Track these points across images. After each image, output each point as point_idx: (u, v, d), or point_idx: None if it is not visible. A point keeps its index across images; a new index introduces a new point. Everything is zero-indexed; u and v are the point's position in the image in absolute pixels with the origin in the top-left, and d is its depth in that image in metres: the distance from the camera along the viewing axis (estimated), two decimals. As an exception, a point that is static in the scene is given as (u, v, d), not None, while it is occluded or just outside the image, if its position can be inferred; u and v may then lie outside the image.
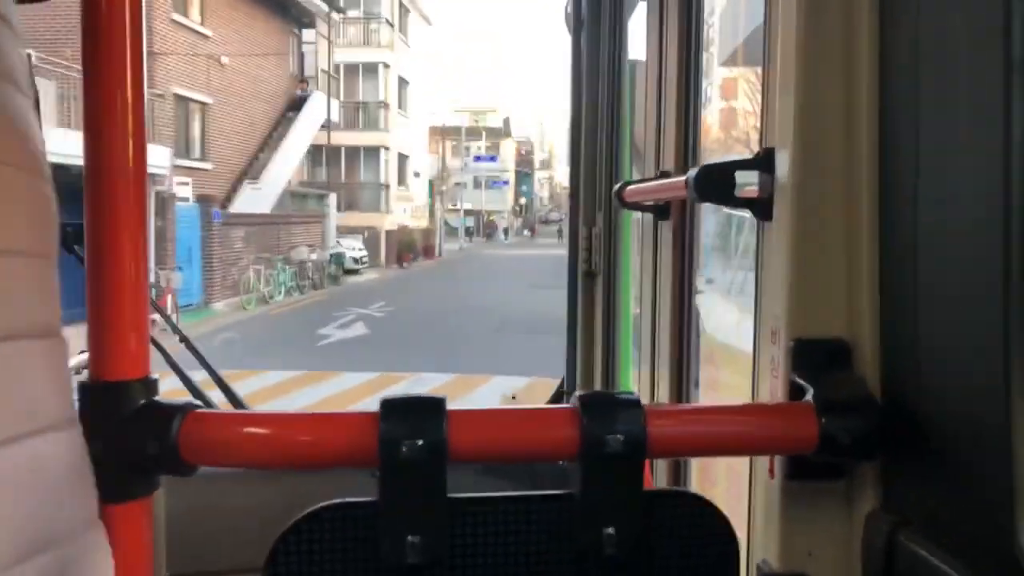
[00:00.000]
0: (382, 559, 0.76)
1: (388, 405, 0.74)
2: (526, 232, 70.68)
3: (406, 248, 32.32)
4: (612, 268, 2.26)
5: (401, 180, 34.71)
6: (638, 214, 1.86)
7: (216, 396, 1.87)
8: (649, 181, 1.65)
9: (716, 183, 0.97)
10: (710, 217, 2.04)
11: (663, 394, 1.67)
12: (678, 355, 1.62)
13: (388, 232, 31.50)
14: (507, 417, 0.78)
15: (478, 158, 58.45)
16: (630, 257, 2.22)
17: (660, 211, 1.66)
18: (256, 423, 0.75)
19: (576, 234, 2.43)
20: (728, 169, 0.96)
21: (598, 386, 2.32)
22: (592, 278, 2.39)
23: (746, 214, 0.98)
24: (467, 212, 56.09)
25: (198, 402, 0.77)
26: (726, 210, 1.78)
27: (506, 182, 63.68)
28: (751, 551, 0.97)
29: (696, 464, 1.73)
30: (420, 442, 0.73)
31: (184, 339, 2.01)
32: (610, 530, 0.77)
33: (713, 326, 1.93)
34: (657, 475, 1.71)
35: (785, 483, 0.86)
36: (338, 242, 26.21)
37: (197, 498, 1.95)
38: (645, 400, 0.77)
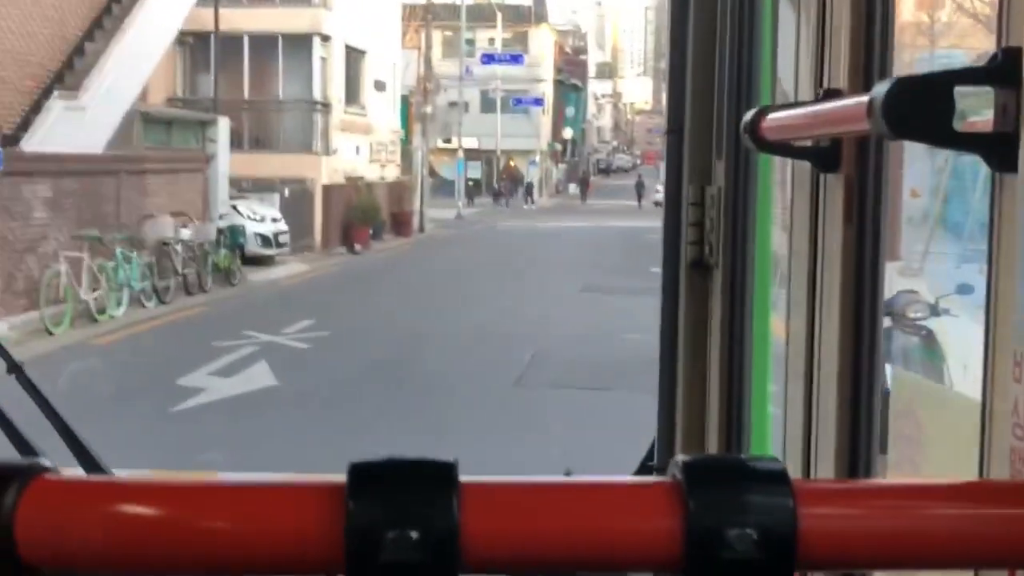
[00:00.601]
0: None
1: (361, 472, 0.75)
2: (572, 188, 70.32)
3: (360, 218, 31.41)
4: (740, 256, 2.40)
5: (352, 96, 34.00)
6: (785, 163, 2.04)
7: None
8: (804, 106, 1.75)
9: (921, 107, 1.09)
10: (925, 164, 2.32)
11: (824, 468, 1.78)
12: (851, 404, 1.72)
13: (328, 189, 30.68)
14: (559, 495, 0.78)
15: (489, 58, 57.14)
16: (770, 237, 2.40)
17: (823, 157, 1.76)
18: (150, 497, 0.76)
19: (678, 198, 2.55)
20: (942, 83, 1.07)
21: (713, 451, 2.44)
22: (705, 273, 2.51)
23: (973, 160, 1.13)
24: (470, 153, 55.74)
25: (46, 462, 0.78)
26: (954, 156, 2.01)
27: (539, 101, 62.97)
28: None
29: None
30: (415, 534, 0.74)
31: (14, 367, 2.28)
32: None
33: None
34: None
35: None
36: (235, 208, 25.37)
37: None
38: (795, 473, 0.81)
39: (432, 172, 55.71)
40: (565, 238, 35.90)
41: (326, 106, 31.29)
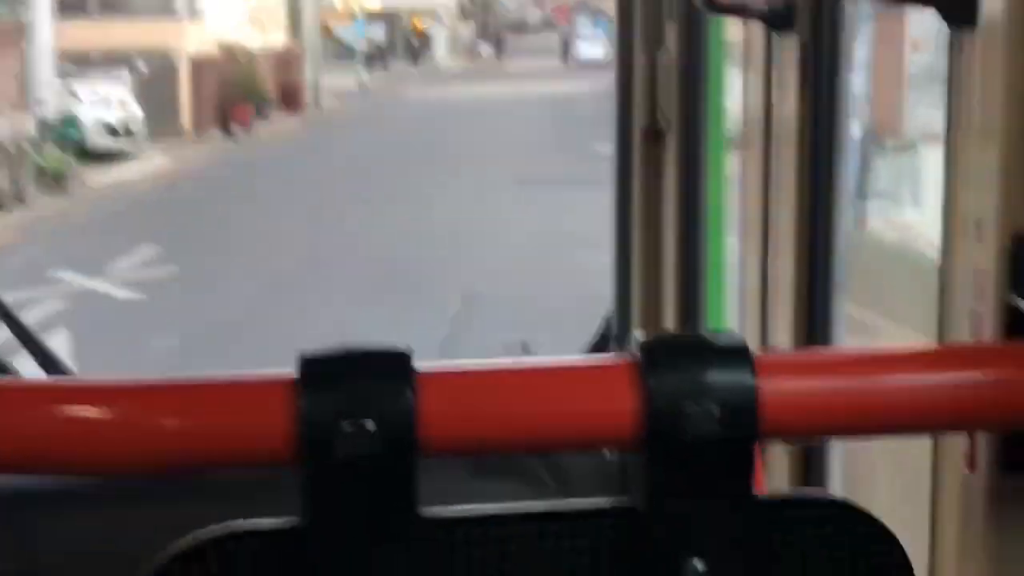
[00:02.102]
0: None
1: (312, 363, 0.74)
2: (485, 50, 65.92)
3: (239, 95, 26.19)
4: (693, 123, 2.38)
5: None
6: (736, 25, 2.03)
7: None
8: None
9: None
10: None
11: (782, 339, 1.79)
12: (808, 272, 1.72)
13: (198, 61, 25.46)
14: (516, 378, 0.79)
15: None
16: (723, 104, 2.45)
17: (777, 17, 1.76)
18: (102, 397, 0.75)
19: (629, 64, 2.51)
20: None
21: (669, 324, 2.41)
22: (657, 141, 2.48)
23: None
24: (371, 15, 51.43)
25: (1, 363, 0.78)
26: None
27: None
28: None
29: (838, 454, 1.81)
30: (370, 424, 0.73)
31: None
32: (697, 564, 0.78)
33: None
34: (772, 472, 1.79)
35: (996, 480, 0.94)
36: (71, 92, 20.31)
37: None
38: (753, 345, 0.81)
39: (329, 36, 53.35)
40: (486, 110, 30.99)
41: (189, -42, 25.82)
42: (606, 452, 1.66)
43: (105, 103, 20.41)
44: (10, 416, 0.75)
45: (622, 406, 0.75)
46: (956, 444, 1.00)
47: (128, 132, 20.70)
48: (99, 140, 20.01)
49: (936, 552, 1.08)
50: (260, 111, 27.63)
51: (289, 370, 0.74)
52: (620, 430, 0.76)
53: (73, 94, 19.99)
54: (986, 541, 0.96)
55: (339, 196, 17.02)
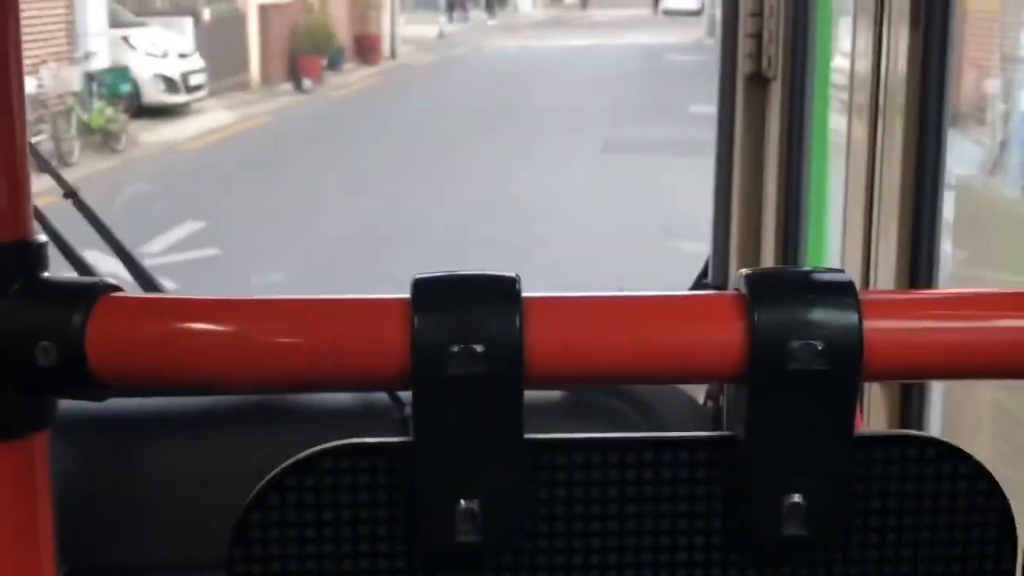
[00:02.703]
0: (419, 535, 0.80)
1: (425, 287, 0.76)
2: None
3: (310, 45, 24.53)
4: (799, 69, 2.37)
5: None
6: None
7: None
8: None
9: None
10: None
11: (884, 281, 1.81)
12: (912, 215, 1.75)
13: (267, 9, 23.77)
14: (623, 309, 0.79)
15: None
16: (830, 49, 2.48)
17: None
18: (217, 315, 0.77)
19: (735, 8, 2.50)
20: None
21: (770, 264, 2.45)
22: (763, 86, 2.48)
23: None
24: None
25: (112, 281, 0.81)
26: None
27: None
28: None
29: (939, 396, 1.91)
30: (480, 348, 0.75)
31: (71, 193, 2.27)
32: (796, 498, 0.78)
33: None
34: (871, 410, 1.83)
35: None
36: (125, 40, 18.52)
37: (111, 447, 2.20)
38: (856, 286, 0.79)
39: None
40: (573, 62, 29.16)
41: None
42: (698, 399, 1.88)
43: (163, 54, 18.88)
44: (131, 328, 0.76)
45: (728, 338, 0.75)
46: None
47: (189, 86, 19.20)
48: (156, 95, 18.50)
49: None
50: (332, 63, 26.14)
51: (404, 294, 0.76)
52: (725, 362, 0.76)
53: (128, 44, 18.46)
54: None
55: (405, 164, 15.41)
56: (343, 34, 27.55)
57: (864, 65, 1.86)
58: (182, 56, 19.24)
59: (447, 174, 14.47)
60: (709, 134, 2.68)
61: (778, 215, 2.39)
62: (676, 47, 32.35)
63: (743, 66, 2.46)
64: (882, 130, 1.79)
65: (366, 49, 29.10)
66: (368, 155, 15.97)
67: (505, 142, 16.76)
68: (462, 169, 14.80)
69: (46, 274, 0.81)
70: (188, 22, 20.70)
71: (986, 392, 1.89)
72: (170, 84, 18.77)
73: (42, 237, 0.83)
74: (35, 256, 0.81)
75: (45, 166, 2.26)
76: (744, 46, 2.45)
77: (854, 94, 1.91)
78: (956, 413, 1.87)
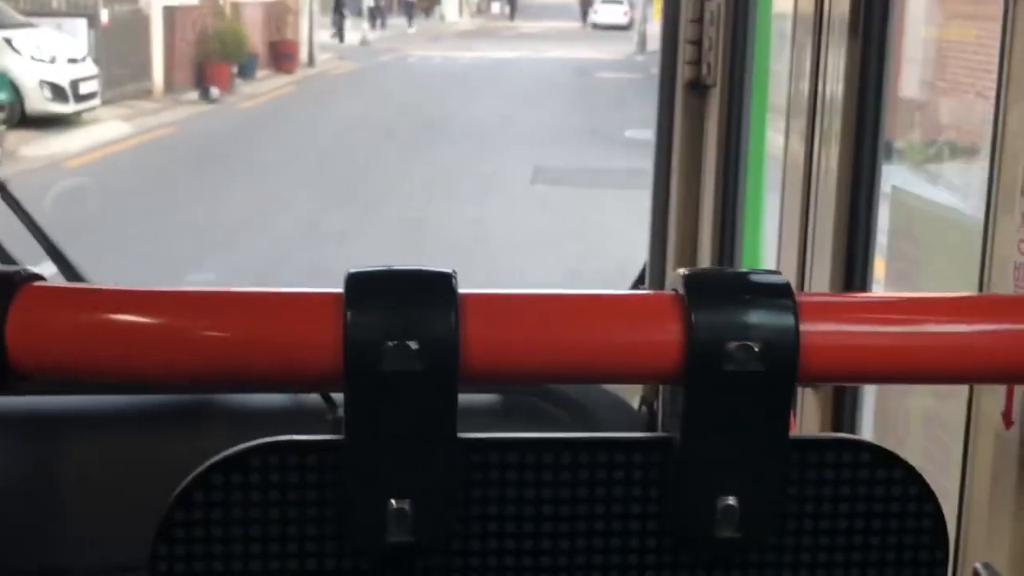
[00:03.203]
0: (347, 535, 0.79)
1: (359, 281, 0.75)
2: (495, 7, 63.00)
3: (219, 51, 22.85)
4: (737, 76, 2.38)
5: None
6: None
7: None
8: None
9: None
10: None
11: (819, 284, 1.82)
12: (848, 219, 1.76)
13: (173, 11, 22.12)
14: (560, 306, 0.79)
15: None
16: (769, 56, 2.45)
17: None
18: (143, 305, 0.75)
19: (676, 15, 2.50)
20: None
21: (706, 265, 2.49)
22: (702, 93, 2.49)
23: None
24: None
25: (33, 270, 0.78)
26: None
27: None
28: (963, 546, 1.06)
29: (871, 400, 1.86)
30: (414, 344, 0.74)
31: None
32: (730, 500, 0.78)
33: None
34: (804, 414, 1.85)
35: None
36: (7, 42, 16.80)
37: (31, 446, 2.17)
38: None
39: None
40: (499, 78, 27.69)
41: None
42: (633, 404, 1.83)
43: (51, 59, 17.08)
44: (52, 319, 0.74)
45: (665, 337, 0.75)
46: (993, 400, 0.99)
47: (79, 94, 17.41)
48: (41, 103, 16.71)
49: (966, 507, 1.06)
50: (246, 70, 24.47)
51: (337, 288, 0.74)
52: (662, 362, 0.76)
53: (11, 47, 16.66)
54: (1018, 499, 0.94)
55: (311, 193, 13.81)
56: (258, 39, 25.88)
57: (802, 70, 1.87)
58: (72, 61, 17.41)
59: (360, 209, 12.90)
60: (647, 163, 2.65)
61: (715, 220, 2.41)
62: (607, 63, 31.15)
63: (683, 72, 2.47)
64: (819, 136, 1.80)
65: (282, 56, 27.42)
66: (272, 179, 14.33)
67: (426, 167, 15.21)
68: (376, 203, 13.25)
69: None
70: (82, 24, 18.92)
71: (918, 399, 1.85)
72: (57, 92, 16.95)
73: None
74: None
75: None
76: (684, 53, 2.47)
77: (791, 100, 1.93)
78: (887, 418, 1.88)
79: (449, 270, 0.76)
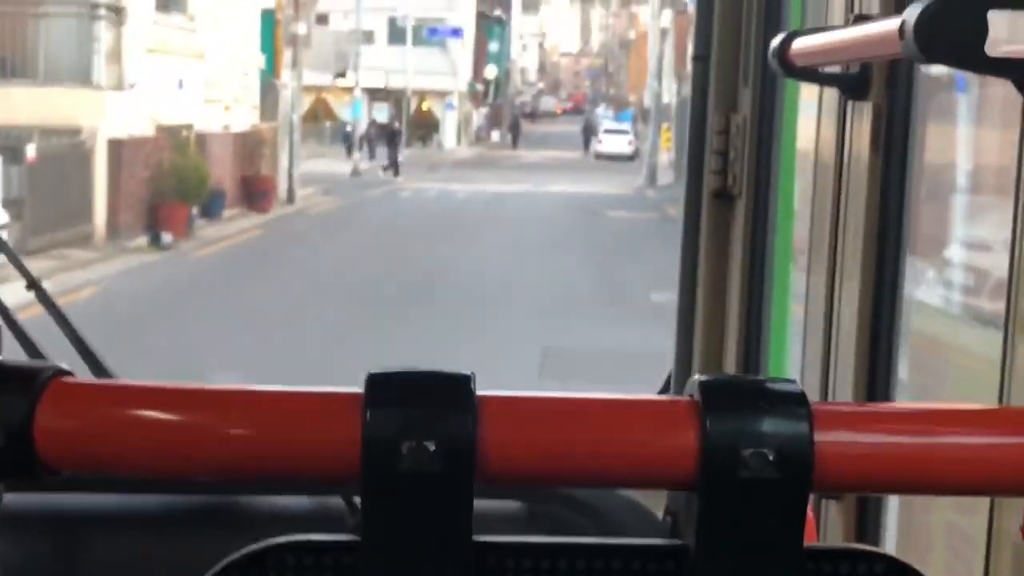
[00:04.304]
0: None
1: (378, 382, 0.77)
2: (495, 136, 60.99)
3: (176, 189, 20.07)
4: (763, 186, 2.42)
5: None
6: (812, 91, 2.06)
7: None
8: (834, 30, 1.74)
9: (953, 30, 1.07)
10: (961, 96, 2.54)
11: (842, 395, 1.85)
12: (871, 331, 1.79)
13: (119, 144, 19.30)
14: (576, 410, 0.79)
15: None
16: (795, 167, 2.50)
17: (852, 83, 1.82)
18: (169, 402, 0.77)
19: (703, 126, 2.54)
20: (975, 6, 1.05)
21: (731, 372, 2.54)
22: (728, 203, 2.50)
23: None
24: (375, 93, 48.23)
25: (63, 366, 0.79)
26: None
27: (457, 32, 55.37)
28: None
29: (894, 511, 1.85)
30: (431, 445, 0.74)
31: (34, 284, 2.24)
32: None
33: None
34: (826, 523, 1.84)
35: None
36: None
37: (55, 545, 2.16)
38: (812, 399, 0.80)
39: (328, 116, 48.52)
40: (498, 215, 24.56)
41: (117, 11, 19.30)
42: (657, 512, 1.84)
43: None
44: (81, 414, 0.76)
45: (680, 443, 0.76)
46: (1014, 512, 0.98)
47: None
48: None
49: None
50: (211, 209, 21.29)
51: (358, 389, 0.76)
52: (677, 468, 0.76)
53: None
54: None
55: (259, 378, 10.31)
56: (226, 175, 22.73)
57: (826, 177, 1.91)
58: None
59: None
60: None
61: (740, 329, 2.43)
62: (616, 199, 28.17)
63: (708, 182, 2.48)
64: (842, 245, 1.84)
65: (255, 194, 24.28)
66: (202, 368, 10.86)
67: (408, 348, 11.79)
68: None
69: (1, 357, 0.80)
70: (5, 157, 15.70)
71: (941, 511, 1.77)
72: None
73: None
74: None
75: (12, 258, 2.27)
76: (710, 163, 2.47)
77: (815, 206, 1.96)
78: (911, 530, 1.77)
79: (468, 372, 0.76)
